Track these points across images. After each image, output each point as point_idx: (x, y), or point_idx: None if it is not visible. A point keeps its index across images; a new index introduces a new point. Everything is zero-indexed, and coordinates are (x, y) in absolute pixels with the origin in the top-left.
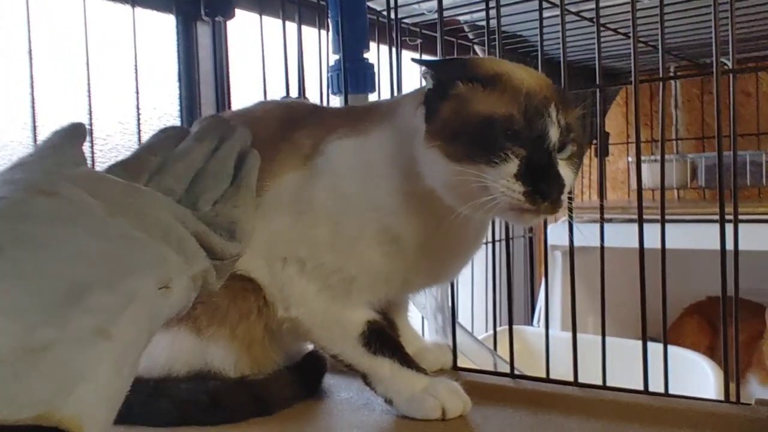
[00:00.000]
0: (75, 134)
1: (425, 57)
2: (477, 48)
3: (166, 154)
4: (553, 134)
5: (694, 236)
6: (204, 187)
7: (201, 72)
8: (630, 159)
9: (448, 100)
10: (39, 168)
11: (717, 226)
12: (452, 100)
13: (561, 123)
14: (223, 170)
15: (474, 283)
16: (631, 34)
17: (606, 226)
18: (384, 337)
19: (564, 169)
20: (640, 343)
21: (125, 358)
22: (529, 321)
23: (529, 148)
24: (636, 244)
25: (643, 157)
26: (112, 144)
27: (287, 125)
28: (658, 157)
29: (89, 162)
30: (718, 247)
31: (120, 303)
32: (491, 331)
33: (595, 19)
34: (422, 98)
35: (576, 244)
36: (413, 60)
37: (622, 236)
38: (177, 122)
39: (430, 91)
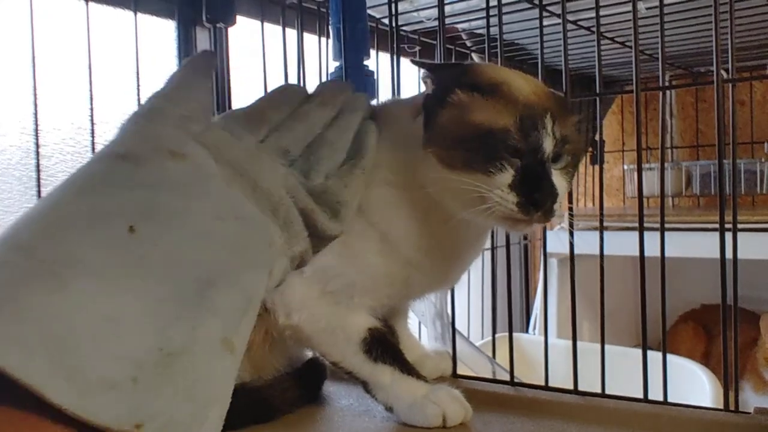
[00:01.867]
0: (206, 69)
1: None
2: (474, 55)
3: (287, 111)
4: (548, 146)
5: (689, 244)
6: (319, 156)
7: None
8: (626, 167)
9: (446, 107)
10: (170, 120)
11: (711, 234)
12: (451, 108)
13: (556, 135)
14: (341, 141)
15: (470, 289)
16: (631, 44)
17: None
18: (385, 344)
19: (558, 179)
20: (634, 350)
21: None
22: (525, 328)
23: (524, 159)
24: (631, 252)
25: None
26: None
27: None
28: (653, 165)
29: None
30: (712, 255)
31: (241, 305)
32: (487, 338)
33: (594, 29)
34: (421, 104)
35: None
36: (413, 61)
37: (617, 244)
38: None
39: (429, 96)
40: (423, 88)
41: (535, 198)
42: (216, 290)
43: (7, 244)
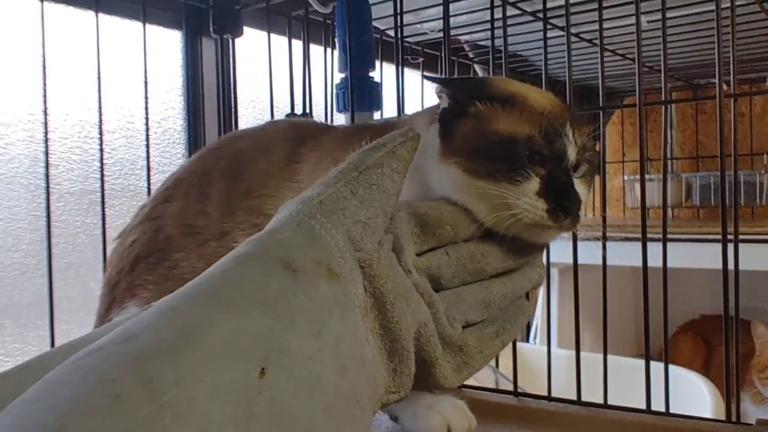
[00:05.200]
0: (401, 162)
1: (429, 75)
2: (477, 67)
3: (464, 237)
4: (571, 154)
5: (688, 255)
6: (469, 307)
7: (205, 87)
8: (626, 177)
9: (466, 118)
10: (346, 223)
11: (711, 245)
12: (472, 119)
13: (577, 142)
14: (498, 305)
15: None
16: (633, 56)
17: (600, 244)
18: None
19: (579, 187)
20: (633, 361)
21: None
22: (525, 338)
23: (549, 167)
24: (631, 263)
25: (638, 177)
26: (116, 158)
27: (300, 145)
28: (653, 176)
29: (97, 172)
30: (712, 266)
31: None
32: None
33: (596, 41)
34: (435, 116)
35: (572, 261)
36: (425, 76)
37: (617, 254)
38: (180, 137)
39: (445, 110)
40: (427, 100)
41: (565, 204)
42: None
43: (136, 371)
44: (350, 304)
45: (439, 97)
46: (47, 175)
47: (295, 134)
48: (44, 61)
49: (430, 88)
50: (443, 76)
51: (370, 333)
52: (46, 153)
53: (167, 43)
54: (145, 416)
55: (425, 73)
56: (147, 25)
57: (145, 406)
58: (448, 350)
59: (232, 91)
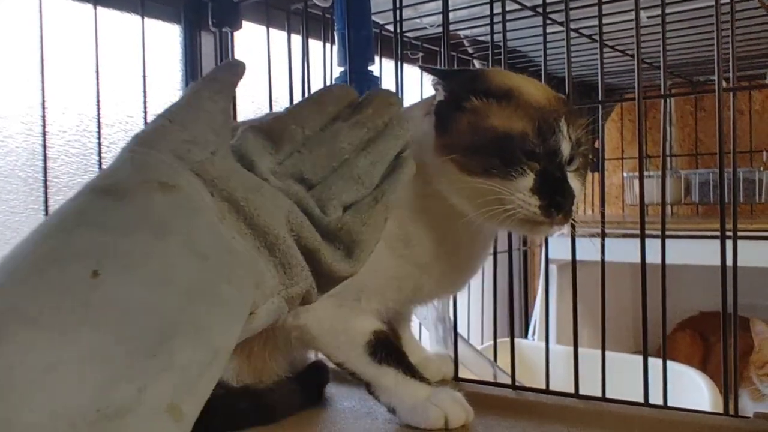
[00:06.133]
0: (224, 85)
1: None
2: (477, 62)
3: (316, 126)
4: (565, 149)
5: (687, 252)
6: (340, 187)
7: None
8: (625, 174)
9: (462, 112)
10: (171, 145)
11: (710, 242)
12: (467, 114)
13: (572, 138)
14: (369, 174)
15: (470, 294)
16: (632, 52)
17: (600, 240)
18: (389, 347)
19: (573, 182)
20: (632, 357)
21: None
22: (524, 334)
23: (543, 162)
24: (630, 259)
25: (638, 174)
26: (115, 151)
27: None
28: (652, 173)
29: (95, 165)
30: (711, 262)
31: (203, 362)
32: (488, 343)
33: (595, 37)
34: (430, 107)
35: (571, 258)
36: (421, 67)
37: (616, 251)
38: None
39: (441, 102)
40: (426, 94)
41: (558, 201)
42: (176, 342)
43: None
44: (198, 208)
45: (435, 89)
46: (45, 169)
47: None
48: (42, 54)
49: (430, 83)
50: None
51: (236, 232)
52: (44, 146)
53: (166, 37)
54: None
55: (421, 64)
56: (146, 19)
57: None
58: (329, 236)
59: None
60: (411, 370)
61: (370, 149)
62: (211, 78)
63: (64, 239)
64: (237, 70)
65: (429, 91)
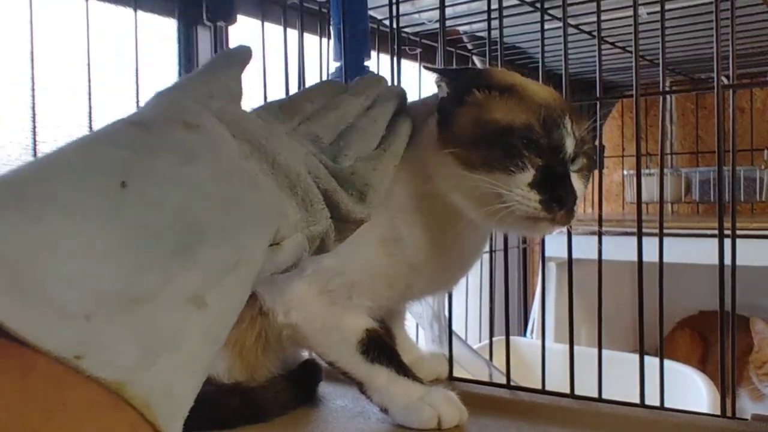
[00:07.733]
0: (237, 60)
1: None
2: (476, 58)
3: (322, 103)
4: (569, 145)
5: (687, 251)
6: (349, 141)
7: None
8: (625, 172)
9: (464, 106)
10: (191, 94)
11: (710, 240)
12: (469, 107)
13: (576, 135)
14: (372, 128)
15: (467, 292)
16: (632, 49)
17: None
18: (382, 345)
19: (576, 181)
20: (631, 356)
21: (215, 327)
22: (522, 332)
23: (546, 157)
24: (630, 258)
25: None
26: None
27: None
28: (652, 171)
29: None
30: (710, 262)
31: (228, 262)
32: (484, 341)
33: (595, 33)
34: (433, 106)
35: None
36: (426, 66)
37: (615, 249)
38: None
39: (444, 99)
40: (424, 91)
41: (560, 195)
42: (204, 243)
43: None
44: (222, 146)
45: (438, 86)
46: None
47: None
48: (32, 48)
49: (428, 80)
50: (442, 66)
51: (259, 171)
52: (34, 140)
53: (162, 31)
54: (4, 200)
55: (425, 64)
56: (141, 13)
57: (3, 194)
58: (342, 181)
59: None
60: (403, 370)
61: (370, 112)
62: (225, 54)
63: (94, 153)
64: (247, 51)
65: (427, 88)
